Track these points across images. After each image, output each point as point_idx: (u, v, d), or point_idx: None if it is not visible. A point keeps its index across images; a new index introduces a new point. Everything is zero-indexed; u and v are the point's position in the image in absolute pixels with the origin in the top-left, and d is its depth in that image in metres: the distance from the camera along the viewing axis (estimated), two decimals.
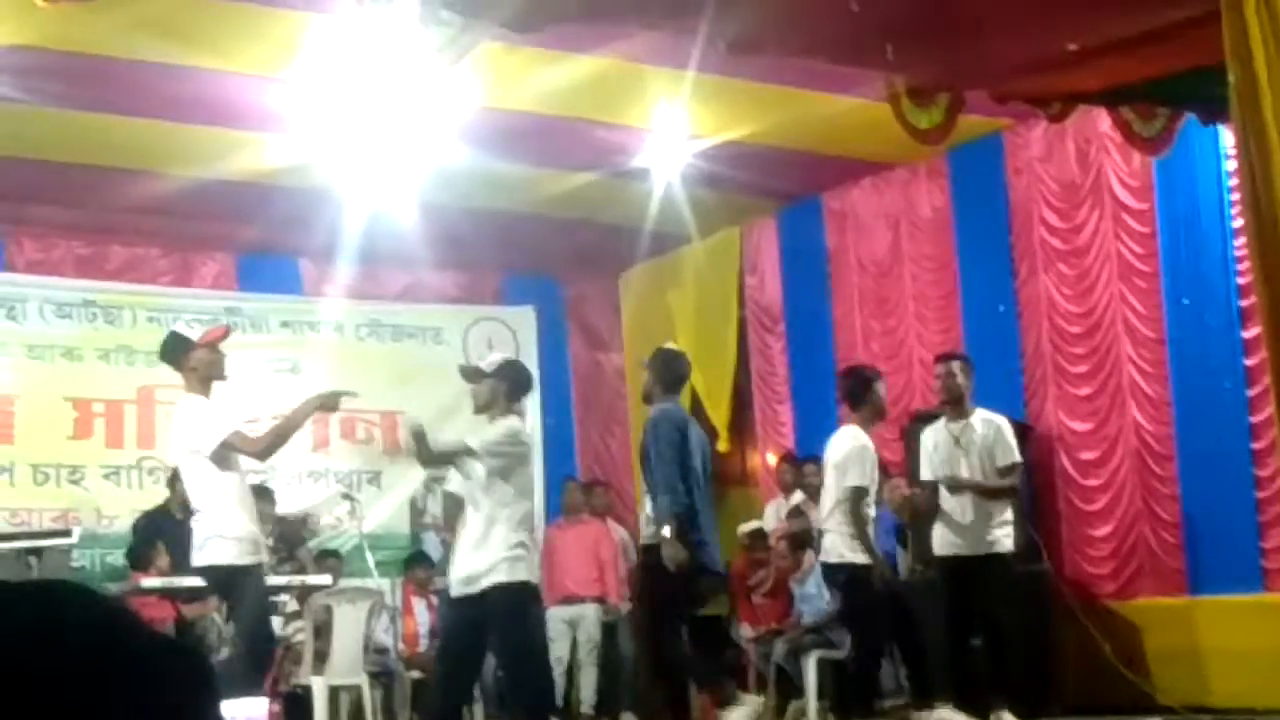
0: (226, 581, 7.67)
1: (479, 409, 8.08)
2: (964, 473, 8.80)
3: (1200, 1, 4.83)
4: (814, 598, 10.44)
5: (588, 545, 11.96)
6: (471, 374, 8.25)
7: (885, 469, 10.09)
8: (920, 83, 7.62)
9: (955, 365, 9.03)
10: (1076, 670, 9.85)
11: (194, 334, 8.05)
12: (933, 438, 8.98)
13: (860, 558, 8.67)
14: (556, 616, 11.36)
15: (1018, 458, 8.89)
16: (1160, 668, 9.65)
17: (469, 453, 7.62)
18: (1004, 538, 8.69)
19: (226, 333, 8.14)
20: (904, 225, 11.63)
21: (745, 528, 11.69)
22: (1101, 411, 10.23)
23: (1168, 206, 9.93)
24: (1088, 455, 10.29)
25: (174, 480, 10.87)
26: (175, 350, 7.88)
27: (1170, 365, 9.89)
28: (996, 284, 10.88)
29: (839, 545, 8.78)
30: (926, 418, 10.29)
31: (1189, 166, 9.62)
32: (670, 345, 9.52)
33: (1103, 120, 9.56)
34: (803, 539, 10.70)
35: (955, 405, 8.90)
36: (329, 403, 8.22)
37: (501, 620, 7.52)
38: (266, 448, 7.92)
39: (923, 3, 6.26)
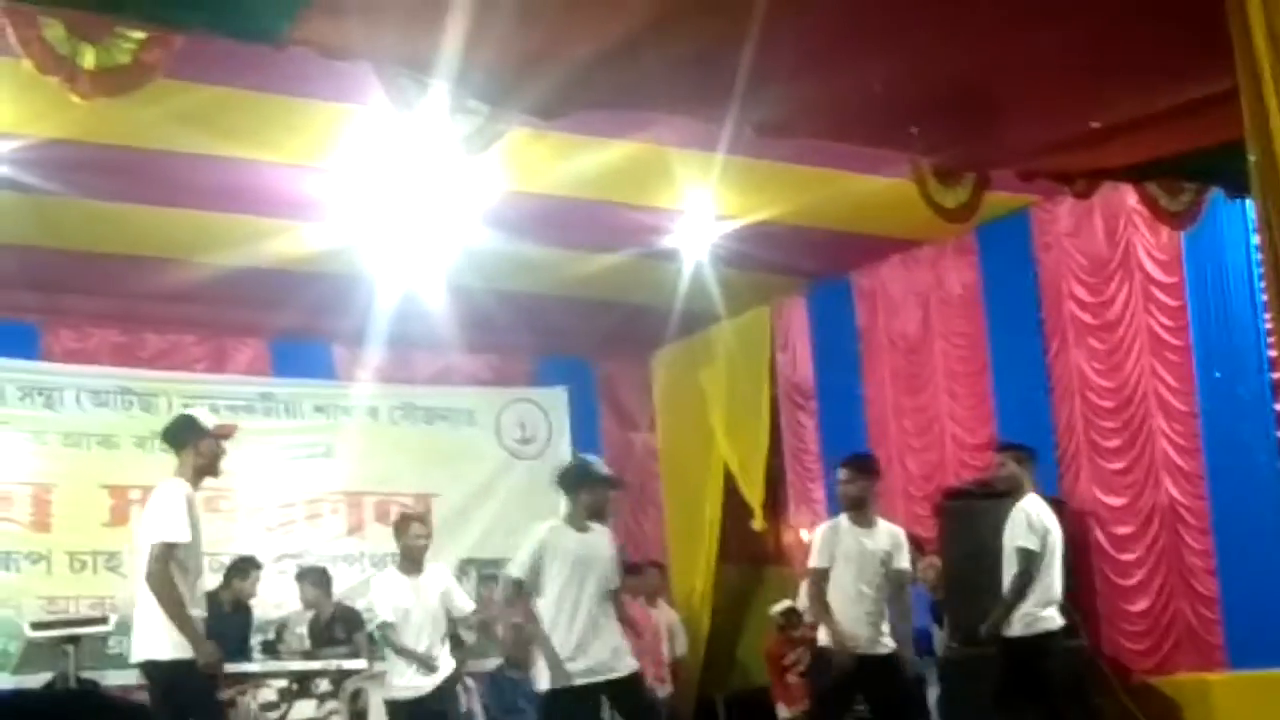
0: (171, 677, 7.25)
1: (600, 514, 8.27)
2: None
3: (1221, 78, 4.86)
4: None
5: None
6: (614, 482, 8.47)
7: (920, 547, 10.09)
8: (945, 163, 7.66)
9: (1001, 455, 9.22)
10: None
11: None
12: None
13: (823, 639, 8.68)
14: None
15: (1021, 543, 8.81)
16: None
17: None
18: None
19: (234, 431, 7.86)
20: (934, 302, 11.66)
21: (778, 607, 11.66)
22: (1135, 485, 10.20)
23: (1197, 280, 9.93)
24: (1122, 530, 10.25)
25: (231, 574, 10.97)
26: (188, 433, 7.54)
27: (1203, 438, 9.86)
28: (1027, 360, 10.88)
29: None
30: (958, 494, 10.32)
31: (1217, 239, 9.64)
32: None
33: (1130, 195, 9.56)
34: None
35: (1010, 494, 9.01)
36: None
37: None
38: (164, 594, 7.24)
39: (946, 85, 6.30)
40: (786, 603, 11.63)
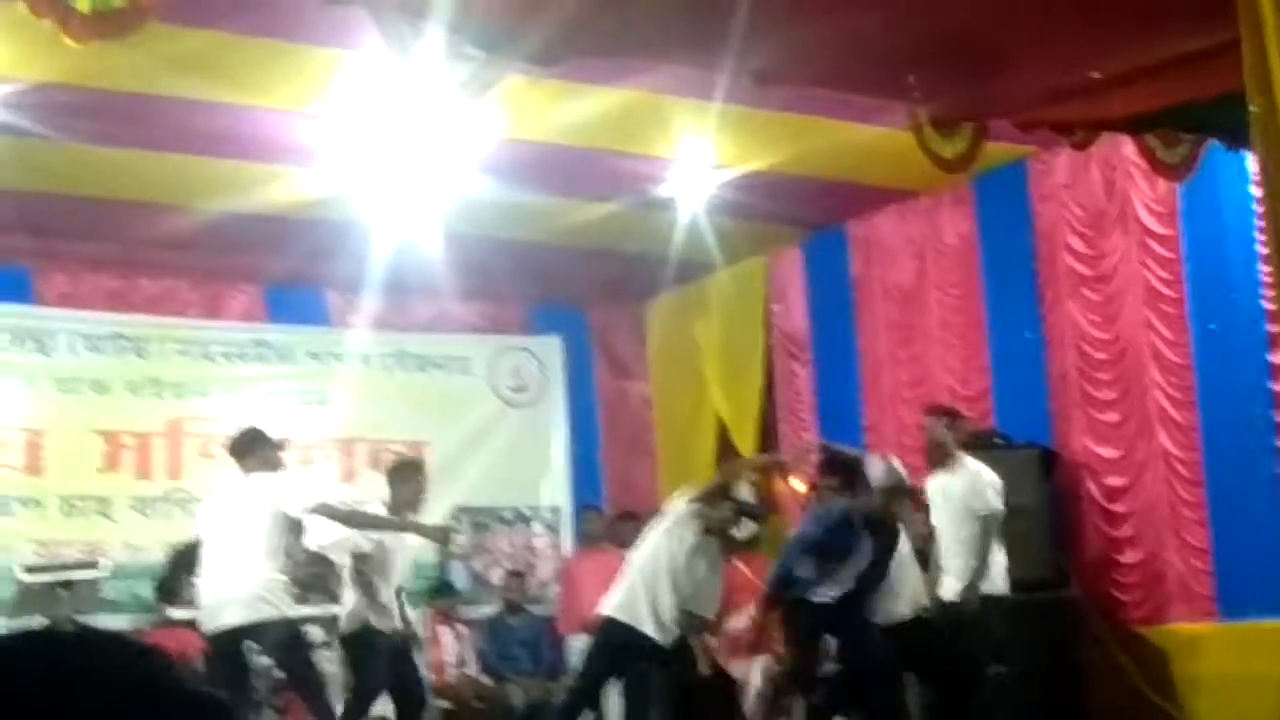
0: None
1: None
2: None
3: (1222, 29, 4.84)
4: None
5: (605, 576, 11.94)
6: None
7: (914, 498, 10.10)
8: (943, 113, 7.63)
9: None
10: (1105, 697, 9.82)
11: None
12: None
13: None
14: (575, 644, 11.38)
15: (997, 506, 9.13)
16: (1189, 694, 9.61)
17: None
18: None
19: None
20: (929, 253, 11.63)
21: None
22: (1129, 437, 10.21)
23: (1193, 232, 9.91)
24: (1116, 481, 10.26)
25: None
26: (261, 443, 8.41)
27: (1198, 391, 9.86)
28: (1022, 311, 10.86)
29: None
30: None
31: (1214, 192, 9.60)
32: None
33: (1127, 146, 9.52)
34: None
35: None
36: None
37: None
38: None
39: (945, 34, 6.28)
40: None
